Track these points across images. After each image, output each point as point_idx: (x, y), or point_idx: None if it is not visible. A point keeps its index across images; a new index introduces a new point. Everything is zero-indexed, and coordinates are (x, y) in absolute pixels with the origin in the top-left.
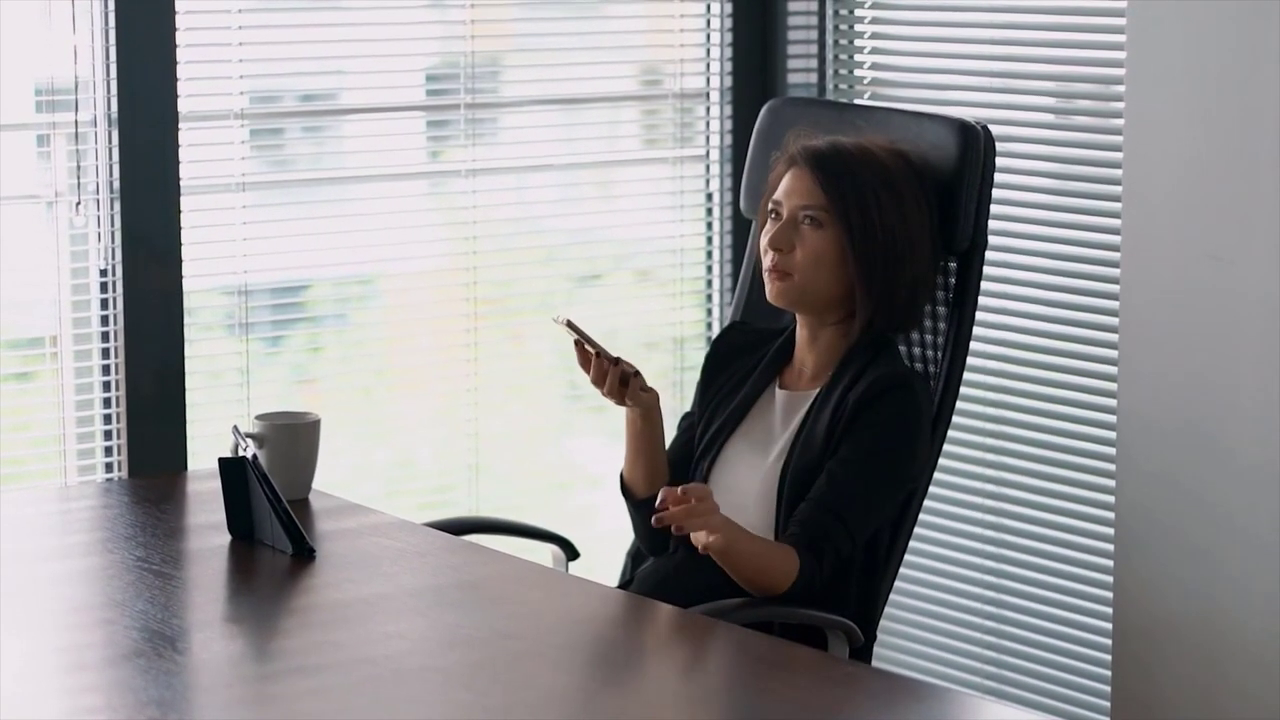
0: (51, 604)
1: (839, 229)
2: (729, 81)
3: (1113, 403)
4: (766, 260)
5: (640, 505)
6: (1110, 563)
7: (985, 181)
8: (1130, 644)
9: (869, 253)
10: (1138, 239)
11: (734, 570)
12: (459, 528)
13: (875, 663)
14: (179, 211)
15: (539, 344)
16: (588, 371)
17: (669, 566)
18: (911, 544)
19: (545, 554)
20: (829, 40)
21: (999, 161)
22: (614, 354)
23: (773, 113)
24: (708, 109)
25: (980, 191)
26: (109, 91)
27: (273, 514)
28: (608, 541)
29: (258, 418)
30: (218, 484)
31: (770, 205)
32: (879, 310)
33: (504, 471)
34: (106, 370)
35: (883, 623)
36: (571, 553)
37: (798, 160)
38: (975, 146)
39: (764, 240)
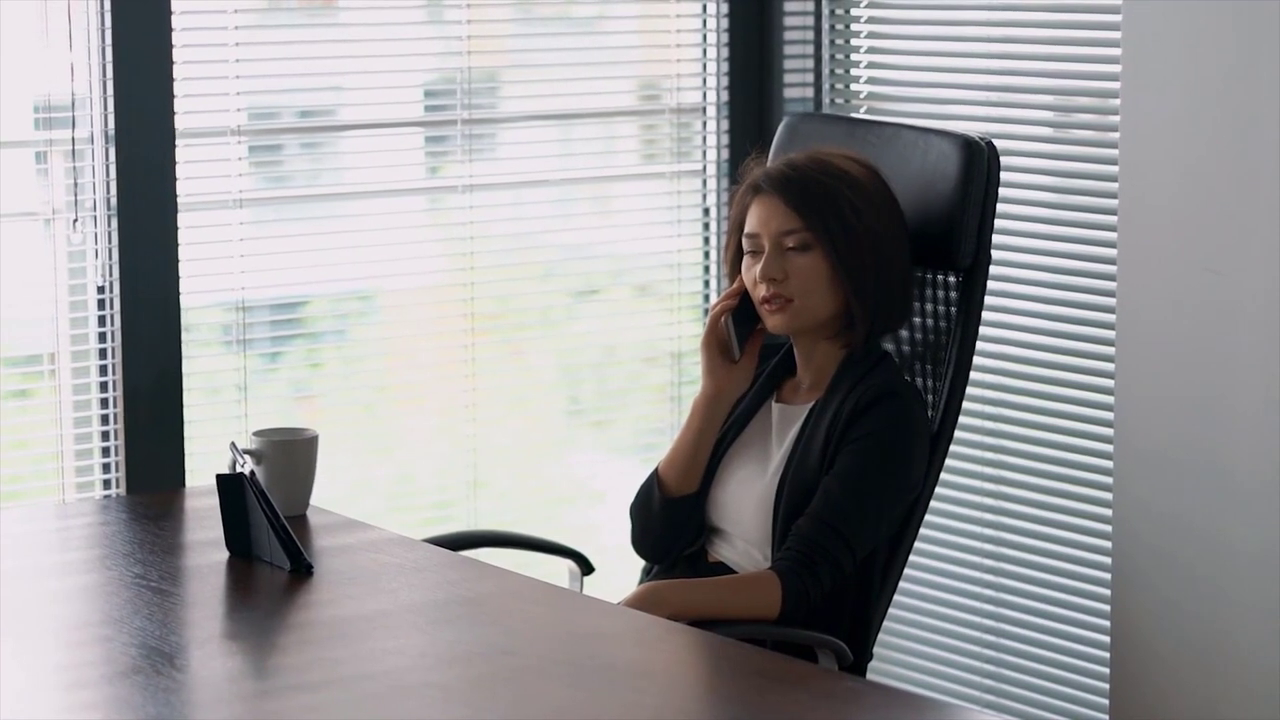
0: (50, 621)
1: (825, 246)
2: (725, 96)
3: (1110, 415)
4: (761, 292)
5: (665, 504)
6: (1109, 576)
7: (989, 197)
8: (1128, 660)
9: (859, 261)
10: (1134, 251)
11: (716, 622)
12: (474, 541)
13: (874, 678)
14: (176, 228)
15: (538, 358)
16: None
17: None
18: (911, 559)
19: (558, 568)
20: (825, 54)
21: None
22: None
23: (790, 128)
24: (704, 123)
25: (984, 207)
26: (106, 108)
27: (270, 530)
28: (608, 556)
29: (255, 434)
30: (215, 500)
31: (745, 240)
32: (879, 313)
33: (504, 486)
34: (104, 387)
35: (883, 637)
36: (586, 567)
37: (762, 187)
38: (979, 162)
39: (755, 272)
